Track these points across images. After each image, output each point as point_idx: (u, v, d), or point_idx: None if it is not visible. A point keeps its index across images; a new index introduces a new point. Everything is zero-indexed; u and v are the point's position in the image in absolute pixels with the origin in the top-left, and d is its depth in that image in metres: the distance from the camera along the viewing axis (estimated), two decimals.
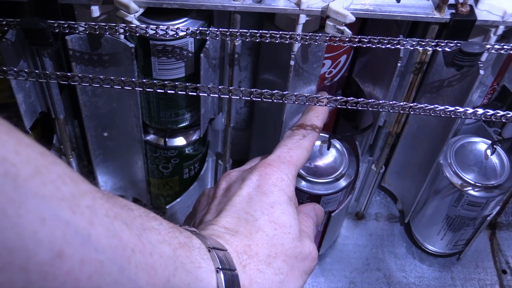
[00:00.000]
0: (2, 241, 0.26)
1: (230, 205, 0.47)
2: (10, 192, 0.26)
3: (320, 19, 0.56)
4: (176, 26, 0.52)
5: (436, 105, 0.52)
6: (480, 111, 0.52)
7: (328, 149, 0.67)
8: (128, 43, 0.54)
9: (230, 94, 0.52)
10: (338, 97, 0.53)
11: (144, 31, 0.51)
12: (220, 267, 0.40)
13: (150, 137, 0.67)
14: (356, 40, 0.52)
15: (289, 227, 0.47)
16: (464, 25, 0.54)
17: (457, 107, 0.52)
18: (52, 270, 0.28)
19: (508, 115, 0.52)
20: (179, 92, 0.52)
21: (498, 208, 0.71)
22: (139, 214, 0.36)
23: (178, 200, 0.70)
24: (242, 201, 0.47)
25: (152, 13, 0.54)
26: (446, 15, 0.53)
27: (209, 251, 0.41)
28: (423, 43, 0.53)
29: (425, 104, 0.53)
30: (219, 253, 0.41)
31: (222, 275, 0.40)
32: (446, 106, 0.52)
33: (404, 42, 0.52)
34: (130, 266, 0.32)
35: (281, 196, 0.48)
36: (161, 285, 0.35)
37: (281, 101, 0.52)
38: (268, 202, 0.47)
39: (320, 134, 0.68)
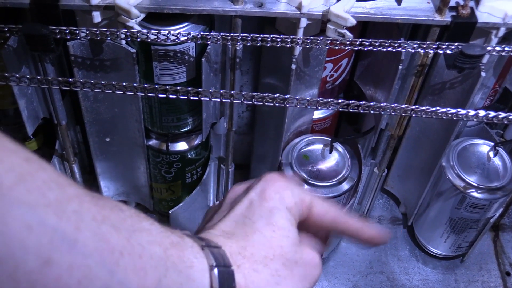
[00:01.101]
0: None
1: (232, 211, 0.48)
2: None
3: (321, 23, 0.56)
4: (177, 31, 0.52)
5: (437, 107, 0.52)
6: (482, 113, 0.52)
7: (330, 153, 0.67)
8: (129, 48, 0.54)
9: (232, 98, 0.52)
10: (340, 100, 0.53)
11: (146, 36, 0.51)
12: (214, 264, 0.40)
13: (152, 142, 0.67)
14: (357, 43, 0.52)
15: (288, 231, 0.46)
16: (465, 28, 0.54)
17: (459, 109, 0.52)
18: (41, 277, 0.28)
19: (510, 117, 0.52)
20: (181, 97, 0.52)
21: (501, 210, 0.71)
22: (130, 215, 0.36)
23: (181, 204, 0.70)
24: (243, 207, 0.47)
25: (153, 18, 0.54)
26: (447, 17, 0.53)
27: (202, 249, 0.41)
28: (424, 46, 0.53)
29: (427, 107, 0.53)
30: (213, 250, 0.41)
31: (216, 271, 0.39)
32: (448, 108, 0.52)
33: (405, 45, 0.52)
34: (119, 269, 0.32)
35: (281, 204, 0.47)
36: (152, 287, 0.35)
37: (283, 105, 0.52)
38: (267, 207, 0.47)
39: (322, 137, 0.68)
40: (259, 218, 0.46)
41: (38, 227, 0.28)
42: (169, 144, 0.67)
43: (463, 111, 0.52)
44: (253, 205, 0.47)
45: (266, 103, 0.52)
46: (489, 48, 0.53)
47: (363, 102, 0.52)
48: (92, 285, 0.31)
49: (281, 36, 0.51)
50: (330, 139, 0.67)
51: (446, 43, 0.52)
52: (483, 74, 0.56)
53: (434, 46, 0.53)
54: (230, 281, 0.41)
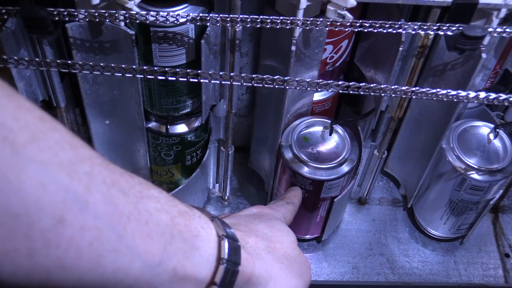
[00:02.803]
0: (6, 207, 0.26)
1: (236, 214, 0.53)
2: (10, 158, 0.26)
3: (321, 4, 0.56)
4: (176, 13, 0.52)
5: (438, 89, 0.52)
6: (482, 94, 0.52)
7: (330, 135, 0.67)
8: (128, 30, 0.54)
9: (232, 80, 0.52)
10: (340, 82, 0.52)
11: (145, 18, 0.50)
12: (225, 234, 0.41)
13: (152, 125, 0.67)
14: (358, 24, 0.52)
15: (287, 232, 0.51)
16: (466, 9, 0.53)
17: (459, 91, 0.52)
18: (55, 237, 0.28)
19: (511, 99, 0.51)
20: (180, 79, 0.52)
21: (501, 192, 0.71)
22: (139, 182, 0.36)
23: (181, 187, 0.70)
24: (247, 213, 0.54)
25: (152, 0, 0.53)
26: None
27: (212, 220, 0.42)
28: (425, 27, 0.53)
29: (427, 88, 0.52)
30: (223, 222, 0.43)
31: (226, 241, 0.41)
32: (448, 90, 0.52)
33: (406, 26, 0.52)
34: (127, 233, 0.32)
35: (279, 220, 0.54)
36: (158, 253, 0.35)
37: (283, 86, 0.52)
38: (267, 218, 0.53)
39: (322, 119, 0.68)
40: (260, 223, 0.50)
41: (51, 185, 0.28)
42: (168, 127, 0.67)
43: (463, 93, 0.52)
44: (255, 216, 0.53)
45: (266, 85, 0.52)
46: (490, 30, 0.52)
47: (363, 84, 0.52)
48: (102, 247, 0.31)
49: (281, 18, 0.51)
50: (330, 121, 0.67)
51: (447, 25, 0.52)
52: (484, 55, 0.55)
53: (434, 28, 0.52)
54: (237, 254, 0.42)
